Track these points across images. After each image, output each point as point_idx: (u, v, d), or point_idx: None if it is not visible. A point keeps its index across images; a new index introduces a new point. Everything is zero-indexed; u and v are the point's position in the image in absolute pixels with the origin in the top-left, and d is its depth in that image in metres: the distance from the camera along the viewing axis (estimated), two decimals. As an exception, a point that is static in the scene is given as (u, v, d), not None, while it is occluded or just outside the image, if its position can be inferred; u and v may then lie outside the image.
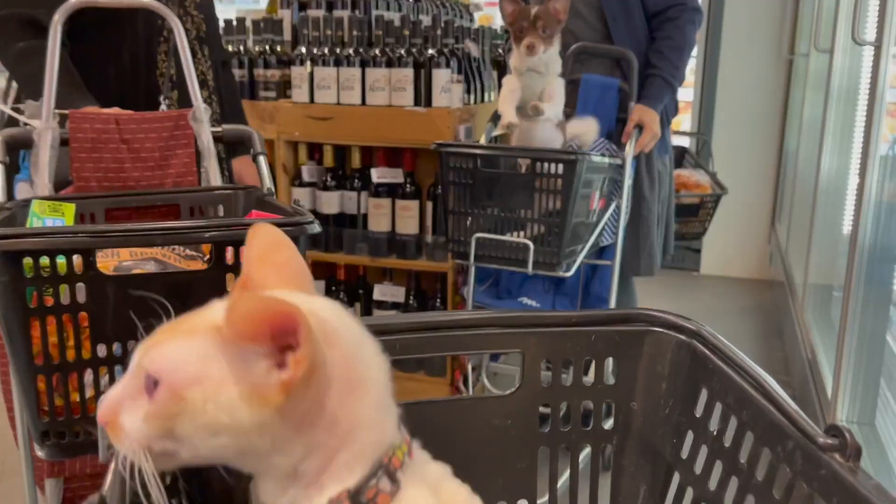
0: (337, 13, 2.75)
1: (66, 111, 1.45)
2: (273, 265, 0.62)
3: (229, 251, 1.12)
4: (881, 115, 1.76)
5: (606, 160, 2.08)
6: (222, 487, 0.65)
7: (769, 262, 4.52)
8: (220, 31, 2.18)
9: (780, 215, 4.39)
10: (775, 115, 4.48)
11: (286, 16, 2.84)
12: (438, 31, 2.53)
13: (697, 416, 0.74)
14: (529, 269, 1.89)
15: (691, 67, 4.83)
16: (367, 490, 0.59)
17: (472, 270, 2.37)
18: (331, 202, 2.70)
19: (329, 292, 2.81)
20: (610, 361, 0.81)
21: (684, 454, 0.75)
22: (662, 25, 2.32)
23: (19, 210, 1.26)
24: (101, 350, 1.11)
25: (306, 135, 2.67)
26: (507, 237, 1.92)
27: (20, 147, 1.44)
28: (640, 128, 2.23)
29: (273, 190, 1.50)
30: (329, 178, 2.71)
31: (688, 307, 2.95)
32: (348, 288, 2.83)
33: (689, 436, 0.74)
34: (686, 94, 4.82)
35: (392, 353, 0.67)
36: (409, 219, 2.64)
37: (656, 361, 0.78)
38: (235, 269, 1.12)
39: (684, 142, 4.66)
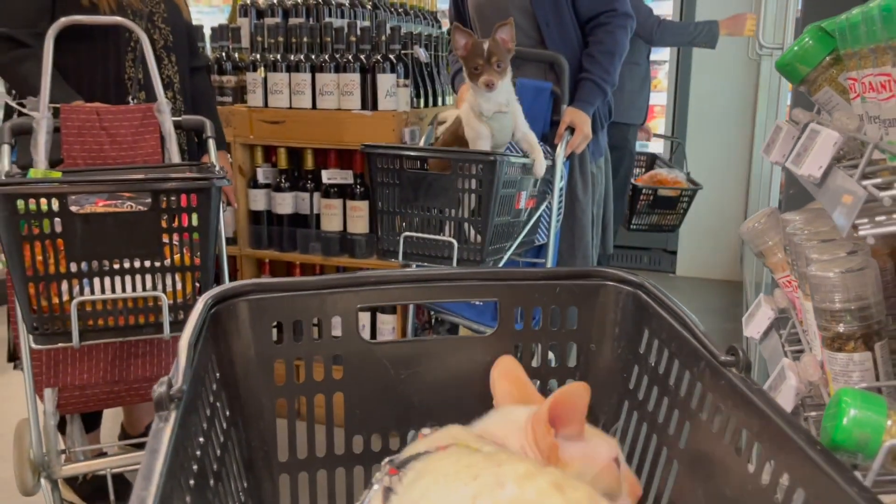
0: (292, 20, 2.85)
1: (58, 105, 1.84)
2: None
3: (163, 200, 1.61)
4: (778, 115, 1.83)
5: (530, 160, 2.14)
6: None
7: (740, 263, 4.57)
8: (197, 42, 2.41)
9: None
10: (746, 116, 4.53)
11: (244, 24, 2.94)
12: (383, 38, 2.62)
13: (641, 352, 0.89)
14: (454, 266, 1.96)
15: (665, 72, 4.89)
16: None
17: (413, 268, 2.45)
18: (285, 203, 2.79)
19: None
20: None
21: (631, 385, 0.90)
22: (594, 31, 2.39)
23: (22, 175, 1.73)
24: (73, 267, 1.59)
25: (260, 138, 2.77)
26: (433, 235, 1.98)
27: (22, 133, 1.82)
28: (571, 130, 2.31)
29: (224, 170, 1.82)
30: (283, 180, 2.80)
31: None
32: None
33: (635, 369, 0.90)
34: (659, 98, 4.88)
35: (391, 300, 0.90)
36: (358, 219, 2.73)
37: (609, 309, 0.94)
38: (168, 212, 1.62)
39: (658, 146, 4.73)
